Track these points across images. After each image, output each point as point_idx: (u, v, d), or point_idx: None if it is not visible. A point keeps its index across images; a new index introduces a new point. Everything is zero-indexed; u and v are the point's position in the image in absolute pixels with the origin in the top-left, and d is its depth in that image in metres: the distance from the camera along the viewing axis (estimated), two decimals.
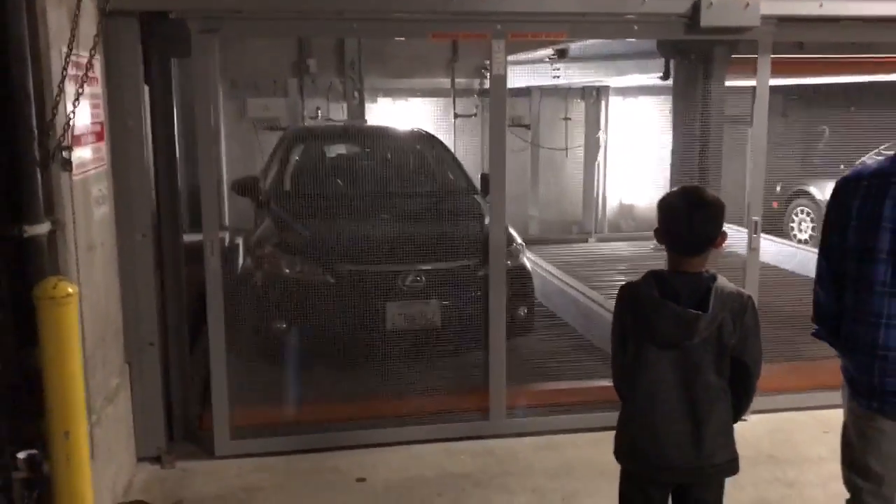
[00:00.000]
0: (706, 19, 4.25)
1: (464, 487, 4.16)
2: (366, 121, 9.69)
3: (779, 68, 4.55)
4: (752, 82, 4.70)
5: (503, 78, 4.43)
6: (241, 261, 8.95)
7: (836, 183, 2.72)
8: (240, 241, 9.24)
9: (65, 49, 3.14)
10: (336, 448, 4.51)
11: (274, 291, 5.54)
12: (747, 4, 4.25)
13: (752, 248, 4.74)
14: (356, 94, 9.92)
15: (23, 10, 2.87)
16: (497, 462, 4.43)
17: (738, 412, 2.73)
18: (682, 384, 2.61)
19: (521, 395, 5.00)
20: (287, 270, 5.47)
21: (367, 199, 5.73)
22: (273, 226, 5.95)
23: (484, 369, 4.84)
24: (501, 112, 4.50)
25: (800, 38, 4.77)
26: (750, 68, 4.72)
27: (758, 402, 4.71)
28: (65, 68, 3.10)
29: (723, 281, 2.61)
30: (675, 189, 2.78)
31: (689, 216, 2.58)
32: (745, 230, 4.73)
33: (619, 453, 2.81)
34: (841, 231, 2.64)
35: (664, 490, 2.74)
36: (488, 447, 4.58)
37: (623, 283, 2.77)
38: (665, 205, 2.67)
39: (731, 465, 2.72)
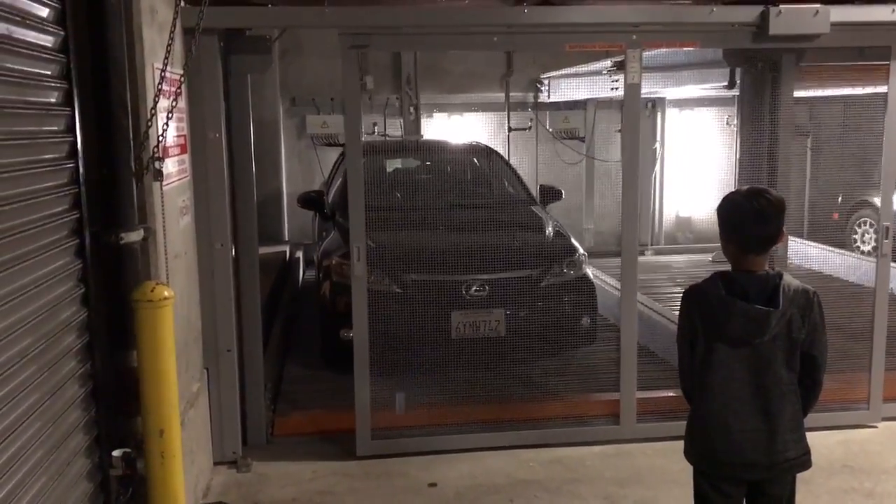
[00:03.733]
0: (775, 27, 4.26)
1: (535, 494, 4.19)
2: (422, 136, 9.82)
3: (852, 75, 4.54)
4: (817, 92, 4.70)
5: (637, 87, 4.52)
6: (301, 273, 9.18)
7: None
8: (300, 254, 9.46)
9: (158, 65, 3.29)
10: (409, 454, 4.58)
11: (341, 300, 5.65)
12: (817, 12, 4.25)
13: (884, 253, 4.82)
14: (412, 109, 10.07)
15: (122, 29, 3.02)
16: (566, 469, 4.45)
17: (807, 405, 2.77)
18: (754, 381, 2.65)
19: (589, 404, 5.02)
20: (346, 280, 5.56)
21: (428, 211, 5.82)
22: (339, 237, 6.07)
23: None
24: (636, 121, 4.61)
25: None
26: (816, 76, 4.72)
27: (831, 416, 4.77)
28: (159, 84, 3.25)
29: (788, 277, 2.66)
30: (738, 189, 2.83)
31: (755, 214, 2.64)
32: (802, 240, 4.70)
33: (692, 454, 2.84)
34: None
35: (740, 487, 2.76)
36: (556, 455, 4.60)
37: (687, 286, 2.81)
38: (731, 204, 2.72)
39: (804, 460, 2.74)
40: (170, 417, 2.98)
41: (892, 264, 4.93)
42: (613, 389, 5.21)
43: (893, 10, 4.39)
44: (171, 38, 3.23)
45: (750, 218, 2.65)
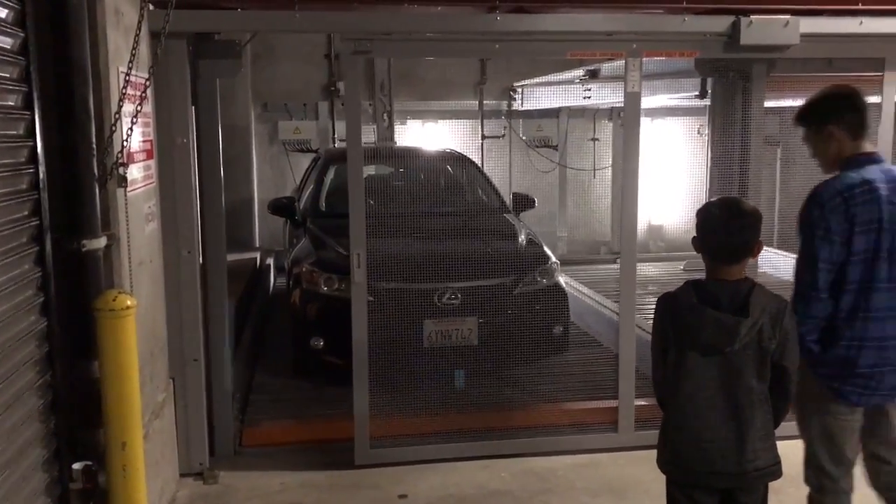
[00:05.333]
0: (746, 37, 4.29)
1: None
2: (395, 142, 9.79)
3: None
4: (788, 102, 4.73)
5: (637, 95, 4.54)
6: (272, 280, 9.09)
7: (819, 198, 2.88)
8: (271, 261, 9.37)
9: (123, 69, 3.22)
10: (385, 465, 4.54)
11: (312, 308, 5.59)
12: (787, 22, 4.28)
13: None
14: (385, 116, 10.03)
15: (85, 31, 2.95)
16: (538, 480, 4.42)
17: (778, 415, 2.78)
18: (725, 390, 2.65)
19: (557, 413, 5.00)
20: (325, 288, 5.52)
21: (401, 219, 5.78)
22: (310, 244, 6.01)
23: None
24: (636, 129, 4.62)
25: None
26: (786, 86, 4.75)
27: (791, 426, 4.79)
28: (124, 88, 3.18)
29: (761, 287, 2.67)
30: (714, 199, 2.86)
31: (728, 225, 2.66)
32: (773, 250, 4.74)
33: (664, 462, 2.83)
34: (846, 240, 2.84)
35: (712, 495, 2.76)
36: (528, 466, 4.57)
37: (659, 295, 2.80)
38: (706, 214, 2.75)
39: (775, 469, 2.75)
40: (132, 429, 2.91)
41: None
42: (587, 398, 5.22)
43: (861, 23, 4.44)
44: (137, 42, 3.16)
45: (719, 228, 2.67)
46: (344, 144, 9.48)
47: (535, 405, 5.18)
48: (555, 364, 5.68)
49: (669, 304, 2.73)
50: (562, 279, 5.90)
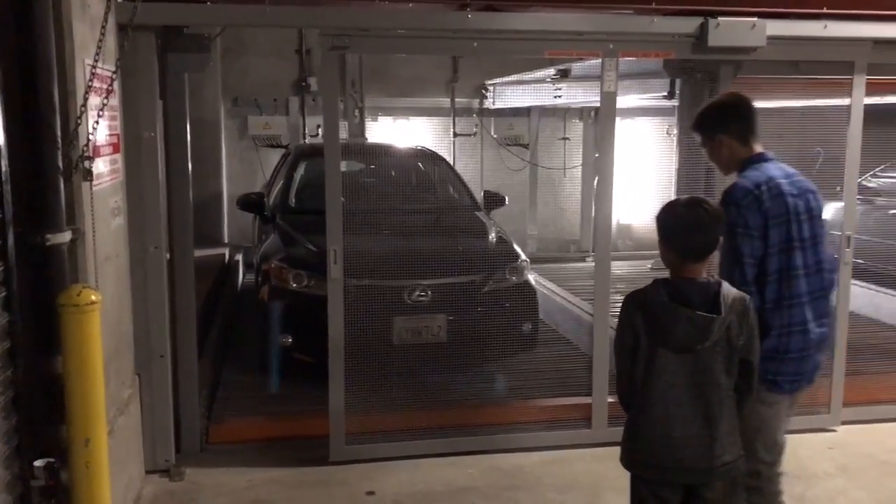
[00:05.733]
0: (714, 39, 4.34)
1: (474, 501, 4.17)
2: (366, 139, 9.76)
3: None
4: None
5: (613, 95, 4.59)
6: (241, 277, 9.03)
7: (734, 198, 3.03)
8: (240, 257, 9.30)
9: (89, 61, 3.18)
10: (359, 461, 4.54)
11: (280, 305, 5.56)
12: (754, 25, 4.34)
13: (846, 262, 4.96)
14: (357, 112, 10.00)
15: (50, 22, 2.91)
16: (505, 476, 4.44)
17: (741, 409, 2.83)
18: (695, 387, 2.69)
19: (525, 410, 5.03)
20: (294, 285, 5.49)
21: (372, 215, 5.77)
22: (279, 240, 5.98)
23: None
24: (611, 127, 4.67)
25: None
26: (754, 88, 4.80)
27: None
28: (90, 80, 3.14)
29: (726, 285, 2.72)
30: (676, 199, 2.86)
31: (699, 223, 2.70)
32: None
33: (630, 460, 2.85)
34: (762, 234, 3.01)
35: (677, 491, 2.79)
36: (495, 462, 4.59)
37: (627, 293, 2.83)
38: (671, 213, 2.78)
39: (740, 463, 2.81)
40: (96, 426, 2.88)
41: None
42: (560, 395, 5.24)
43: (825, 26, 4.51)
44: (103, 34, 3.13)
45: (689, 227, 2.70)
46: (314, 140, 9.51)
47: (507, 402, 5.20)
48: (524, 361, 5.70)
49: (640, 303, 2.74)
50: (531, 277, 5.93)
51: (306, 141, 9.78)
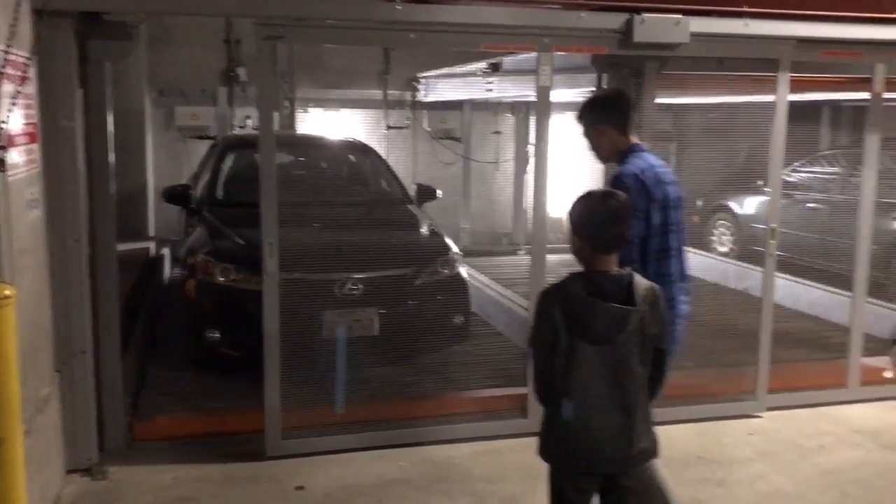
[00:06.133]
0: (639, 35, 4.42)
1: (405, 493, 4.17)
2: (296, 131, 9.64)
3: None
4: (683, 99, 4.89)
5: (548, 89, 4.65)
6: (166, 271, 8.83)
7: (623, 182, 3.32)
8: (166, 251, 9.09)
9: (1, 48, 3.06)
10: (295, 456, 4.50)
11: (207, 300, 5.46)
12: (678, 21, 4.43)
13: (770, 254, 5.14)
14: (287, 103, 9.86)
15: None
16: (436, 468, 4.46)
17: (654, 395, 2.90)
18: (613, 378, 2.73)
19: (458, 402, 5.05)
20: (221, 278, 5.40)
21: (303, 208, 5.71)
22: (206, 234, 5.87)
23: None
24: (546, 121, 4.75)
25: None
26: (678, 84, 4.93)
27: (687, 410, 5.01)
28: (2, 67, 3.02)
29: (638, 276, 2.77)
30: (587, 193, 2.86)
31: (614, 215, 2.75)
32: None
33: (550, 453, 2.87)
34: (646, 216, 3.34)
35: (597, 480, 2.83)
36: (428, 454, 4.61)
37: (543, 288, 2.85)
38: (587, 208, 2.79)
39: (655, 448, 2.88)
40: (10, 425, 2.77)
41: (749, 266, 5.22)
42: (489, 386, 5.27)
43: (746, 24, 4.64)
44: (16, 19, 3.00)
45: (604, 219, 2.74)
46: (243, 131, 9.35)
47: (440, 394, 5.20)
48: (457, 353, 5.72)
49: (559, 297, 2.75)
50: (463, 270, 5.95)
51: (235, 132, 9.60)
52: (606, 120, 3.49)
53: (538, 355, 2.83)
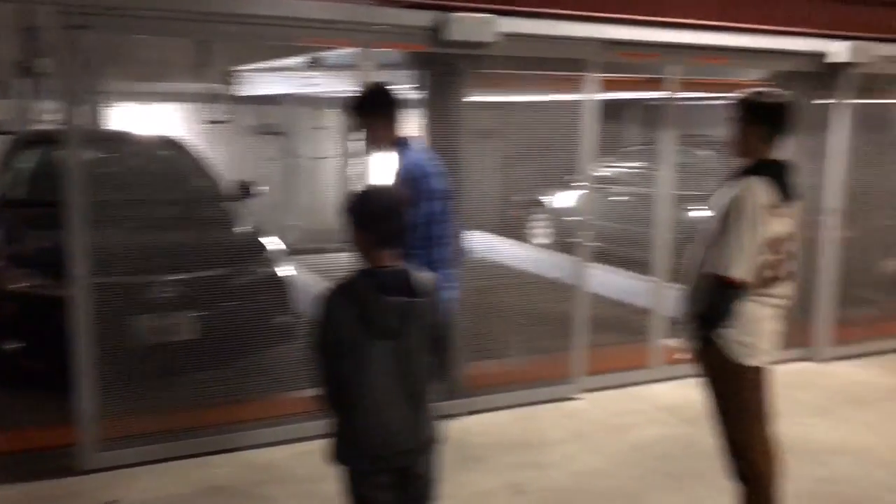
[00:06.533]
0: (449, 33, 4.51)
1: (227, 500, 4.04)
2: (100, 126, 9.07)
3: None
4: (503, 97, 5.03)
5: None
6: None
7: (411, 170, 3.59)
8: None
9: None
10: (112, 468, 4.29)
11: (4, 308, 5.04)
12: (486, 21, 4.56)
13: (584, 244, 5.48)
14: (92, 97, 9.25)
15: None
16: (258, 471, 4.36)
17: (444, 379, 2.97)
18: (402, 370, 2.74)
19: (279, 404, 4.96)
20: (19, 285, 5.00)
21: (108, 208, 5.37)
22: (1, 237, 5.40)
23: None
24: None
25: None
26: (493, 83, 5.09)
27: (508, 396, 5.19)
28: None
29: (414, 270, 2.81)
30: (365, 190, 2.88)
31: (395, 210, 2.77)
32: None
33: (345, 457, 2.83)
34: (420, 208, 3.53)
35: (393, 475, 2.82)
36: (249, 459, 4.49)
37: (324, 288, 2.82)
38: (367, 204, 2.78)
39: (439, 434, 2.92)
40: None
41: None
42: (308, 386, 5.17)
43: (553, 25, 4.85)
44: None
45: (387, 215, 2.74)
46: (41, 126, 8.68)
47: (262, 397, 5.07)
48: (281, 354, 5.59)
49: (347, 296, 2.72)
50: (285, 268, 5.83)
51: (32, 127, 8.91)
52: (381, 112, 3.70)
53: (326, 360, 2.78)
